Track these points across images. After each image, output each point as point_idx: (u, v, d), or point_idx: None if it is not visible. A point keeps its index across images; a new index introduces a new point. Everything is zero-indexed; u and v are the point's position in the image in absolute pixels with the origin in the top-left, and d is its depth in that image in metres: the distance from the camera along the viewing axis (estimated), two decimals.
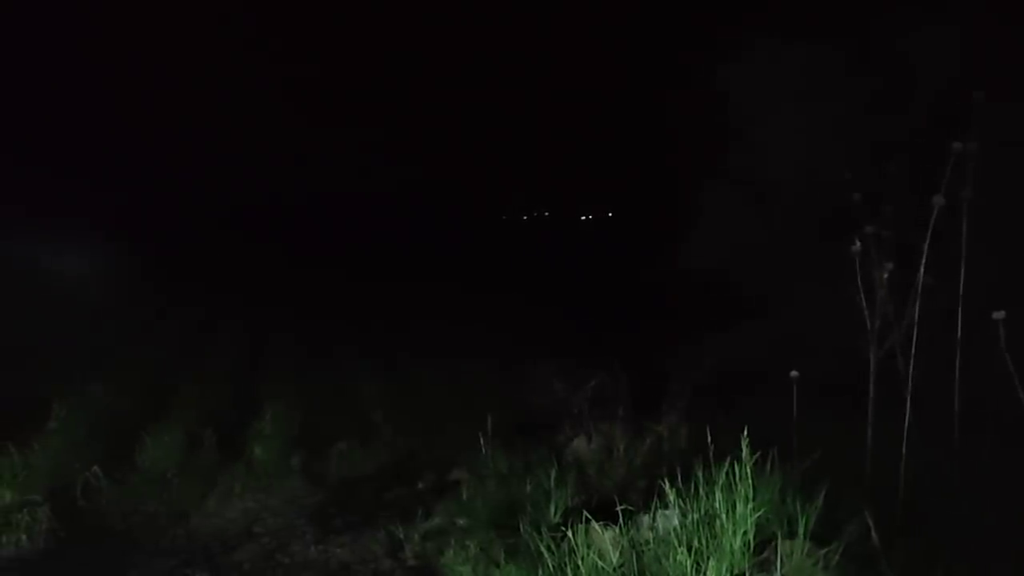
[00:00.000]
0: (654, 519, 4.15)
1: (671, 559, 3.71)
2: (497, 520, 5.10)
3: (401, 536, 5.13)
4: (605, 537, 4.06)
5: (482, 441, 6.19)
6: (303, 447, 7.07)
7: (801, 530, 3.89)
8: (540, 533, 4.35)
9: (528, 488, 5.32)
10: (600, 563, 3.90)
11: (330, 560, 5.10)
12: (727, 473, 3.97)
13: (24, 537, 5.09)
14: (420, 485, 6.23)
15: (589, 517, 4.15)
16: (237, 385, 9.31)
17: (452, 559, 4.59)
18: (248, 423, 7.26)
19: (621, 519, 4.11)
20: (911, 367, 4.55)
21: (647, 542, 4.01)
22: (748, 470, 3.88)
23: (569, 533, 4.04)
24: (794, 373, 4.77)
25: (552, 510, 4.97)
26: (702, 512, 3.91)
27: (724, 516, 3.79)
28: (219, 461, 6.68)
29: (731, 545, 3.73)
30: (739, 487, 3.84)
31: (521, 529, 4.58)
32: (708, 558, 3.67)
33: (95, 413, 7.44)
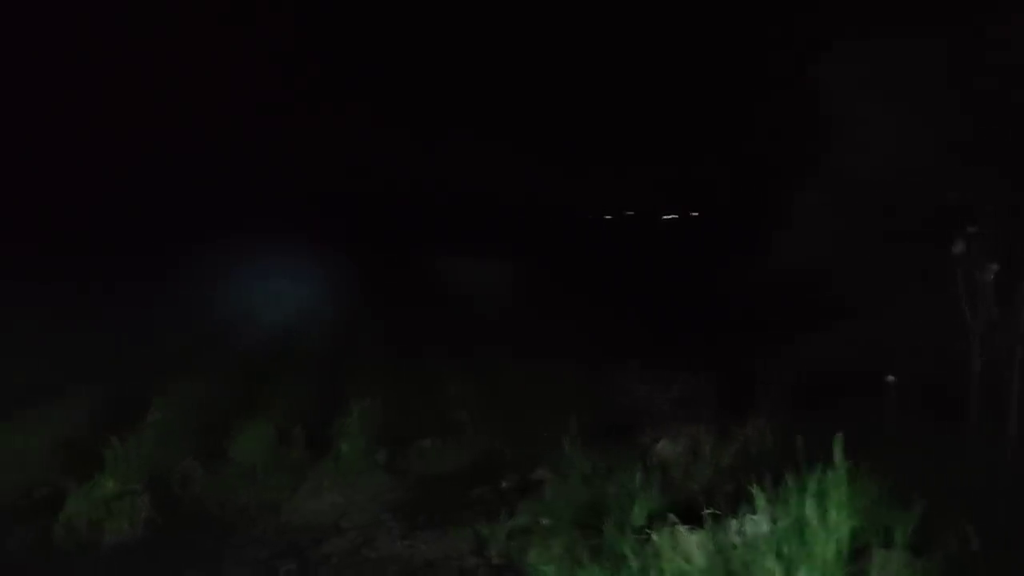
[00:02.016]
0: (742, 524, 4.06)
1: (760, 566, 3.62)
2: (580, 520, 5.07)
3: (485, 534, 5.15)
4: (691, 541, 3.99)
5: (565, 441, 6.18)
6: (388, 444, 7.16)
7: (898, 540, 3.74)
8: (624, 535, 4.31)
9: (612, 489, 5.27)
10: (686, 567, 3.83)
11: (415, 556, 5.16)
12: (819, 479, 3.85)
13: (126, 525, 5.31)
14: (503, 484, 6.25)
15: (675, 520, 4.09)
16: (324, 382, 9.52)
17: (536, 558, 4.58)
18: (334, 419, 7.41)
19: (708, 523, 4.03)
20: (1017, 373, 4.34)
21: (734, 547, 3.92)
22: (842, 476, 3.75)
23: (654, 536, 3.98)
24: (890, 377, 4.60)
25: (636, 512, 4.91)
26: (792, 518, 3.80)
27: (816, 523, 3.67)
28: (307, 456, 6.84)
29: (824, 554, 3.61)
30: (832, 494, 3.71)
31: (605, 530, 4.55)
32: (799, 566, 3.57)
33: (191, 407, 7.72)
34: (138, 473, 5.94)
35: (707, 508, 4.12)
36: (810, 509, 3.73)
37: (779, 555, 3.62)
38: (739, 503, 4.23)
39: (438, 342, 11.87)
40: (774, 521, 3.92)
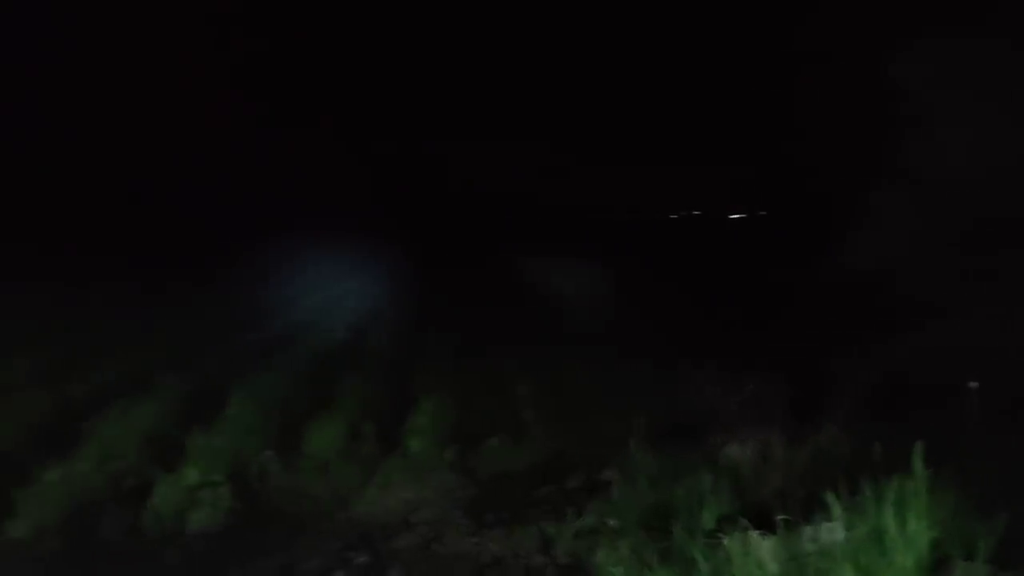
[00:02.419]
0: (816, 531, 4.00)
1: (836, 574, 3.56)
2: (648, 523, 5.05)
3: (552, 533, 5.18)
4: (763, 547, 3.95)
5: (632, 442, 6.16)
6: (456, 442, 7.25)
7: (981, 552, 3.64)
8: (694, 538, 4.28)
9: (680, 491, 5.24)
10: (758, 573, 3.80)
11: (483, 553, 5.22)
12: (897, 487, 3.77)
13: (209, 514, 5.51)
14: (570, 484, 6.27)
15: (746, 525, 4.05)
16: (393, 380, 9.67)
17: (604, 559, 4.59)
18: (404, 417, 7.54)
19: (780, 529, 3.99)
20: None
21: (808, 555, 3.87)
22: (922, 485, 3.67)
23: (725, 541, 3.96)
24: (973, 384, 4.48)
25: (706, 516, 4.88)
26: (869, 527, 3.73)
27: (894, 533, 3.60)
28: (377, 452, 6.97)
29: (903, 564, 3.54)
30: (912, 502, 3.63)
31: (674, 533, 4.53)
32: None
33: (266, 402, 7.95)
34: (219, 465, 6.14)
35: (779, 514, 4.06)
36: (888, 518, 3.66)
37: (856, 564, 3.56)
38: (813, 510, 4.17)
39: (505, 342, 11.92)
40: (850, 529, 3.85)
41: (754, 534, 4.04)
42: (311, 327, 14.05)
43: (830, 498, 3.96)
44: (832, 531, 3.94)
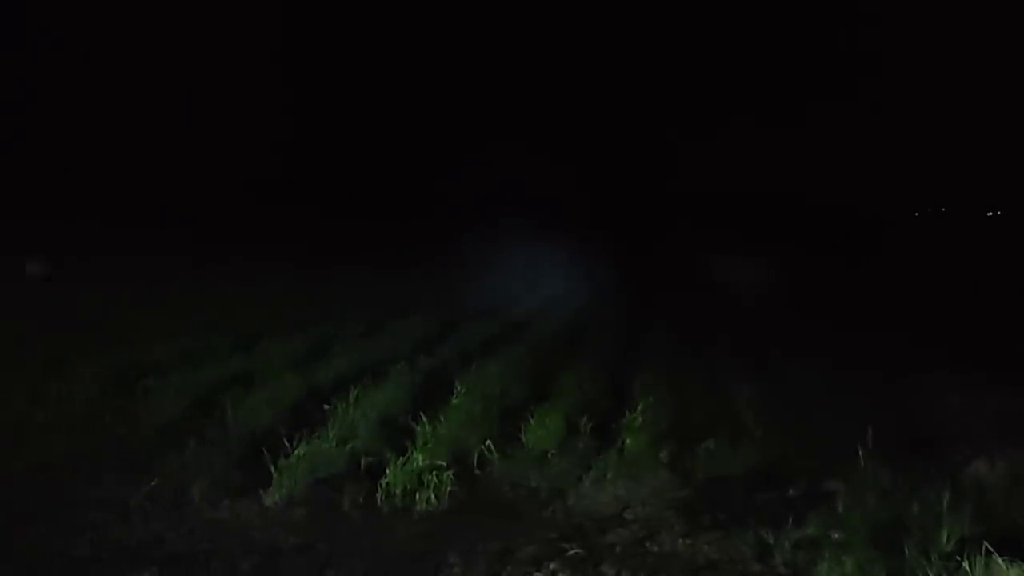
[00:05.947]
0: None
1: None
2: (877, 538, 4.76)
3: (771, 541, 5.00)
4: (1011, 575, 3.60)
5: (861, 452, 5.83)
6: (672, 442, 7.18)
7: None
8: (928, 559, 3.99)
9: (915, 508, 4.88)
10: None
11: (697, 556, 5.14)
12: None
13: (433, 496, 5.87)
14: (790, 492, 6.02)
15: (990, 550, 3.71)
16: (611, 377, 9.75)
17: (827, 573, 4.38)
18: (620, 414, 7.57)
19: None
20: None
21: None
22: None
23: (965, 564, 3.65)
24: None
25: (944, 536, 4.51)
26: None
27: None
28: (592, 446, 7.06)
29: None
30: None
31: (906, 552, 4.23)
32: None
33: (488, 392, 8.31)
34: (443, 451, 6.50)
35: None
36: None
37: None
38: None
39: (726, 342, 11.62)
40: None
41: (1000, 560, 3.69)
42: (531, 322, 14.47)
43: None
44: None
